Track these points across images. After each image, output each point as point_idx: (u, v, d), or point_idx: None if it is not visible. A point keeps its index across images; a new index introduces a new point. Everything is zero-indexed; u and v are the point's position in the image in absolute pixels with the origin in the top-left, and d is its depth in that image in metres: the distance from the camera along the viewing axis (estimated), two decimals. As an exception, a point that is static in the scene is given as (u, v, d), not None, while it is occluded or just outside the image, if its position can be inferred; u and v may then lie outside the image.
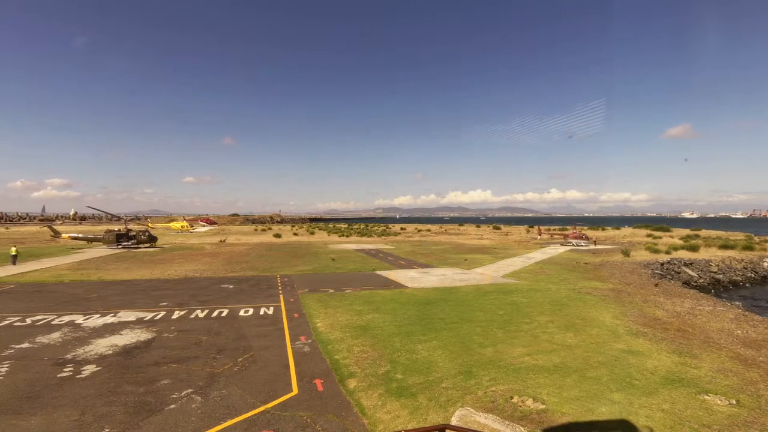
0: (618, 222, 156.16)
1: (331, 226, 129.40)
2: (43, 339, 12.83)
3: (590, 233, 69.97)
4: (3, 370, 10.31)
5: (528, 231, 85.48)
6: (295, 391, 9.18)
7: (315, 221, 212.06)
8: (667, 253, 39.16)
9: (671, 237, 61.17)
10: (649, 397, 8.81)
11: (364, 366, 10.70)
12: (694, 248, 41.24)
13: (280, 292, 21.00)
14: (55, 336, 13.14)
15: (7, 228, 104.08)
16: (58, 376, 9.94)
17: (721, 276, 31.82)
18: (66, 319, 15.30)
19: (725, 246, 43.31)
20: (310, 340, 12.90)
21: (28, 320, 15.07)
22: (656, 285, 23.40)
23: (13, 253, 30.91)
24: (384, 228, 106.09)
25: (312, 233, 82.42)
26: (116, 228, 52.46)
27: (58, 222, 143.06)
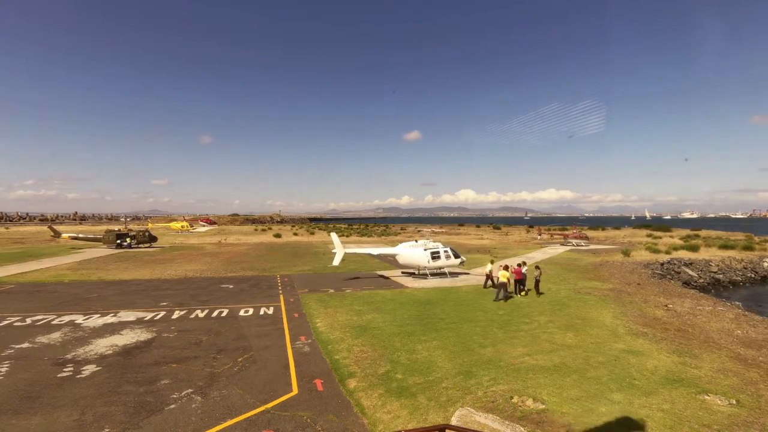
0: (618, 222, 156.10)
1: (331, 226, 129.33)
2: (43, 339, 12.83)
3: (590, 233, 69.96)
4: (3, 370, 10.31)
5: (528, 231, 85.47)
6: (295, 391, 9.18)
7: (315, 221, 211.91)
8: (667, 253, 39.14)
9: (671, 237, 61.17)
10: (649, 397, 8.81)
11: (364, 366, 10.70)
12: (694, 248, 41.22)
13: (280, 292, 20.99)
14: (55, 336, 13.14)
15: (7, 228, 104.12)
16: (58, 376, 9.95)
17: (721, 276, 31.81)
18: (66, 319, 15.30)
19: (725, 246, 43.30)
20: (310, 340, 12.90)
21: (28, 320, 15.07)
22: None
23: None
24: (384, 228, 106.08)
25: (312, 233, 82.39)
26: (116, 228, 52.45)
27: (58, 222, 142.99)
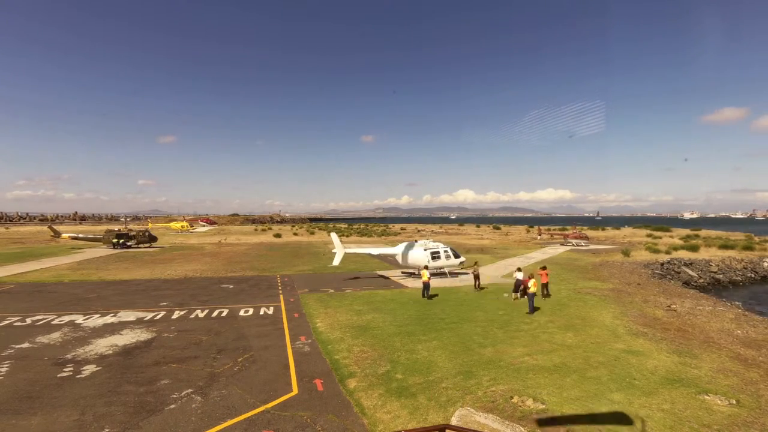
0: (618, 222, 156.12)
1: (331, 226, 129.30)
2: (43, 339, 12.83)
3: (590, 233, 69.95)
4: (3, 370, 10.32)
5: (528, 231, 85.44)
6: (295, 391, 9.18)
7: (315, 221, 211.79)
8: (667, 253, 39.15)
9: (671, 237, 61.16)
10: (649, 397, 8.81)
11: (364, 366, 10.70)
12: (694, 248, 41.24)
13: (280, 292, 21.00)
14: (55, 336, 13.15)
15: (7, 228, 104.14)
16: (58, 376, 9.95)
17: (721, 276, 31.81)
18: (66, 319, 15.30)
19: (725, 246, 43.30)
20: (310, 340, 12.90)
21: (28, 320, 15.08)
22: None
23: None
24: (384, 228, 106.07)
25: (312, 233, 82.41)
26: (116, 228, 52.46)
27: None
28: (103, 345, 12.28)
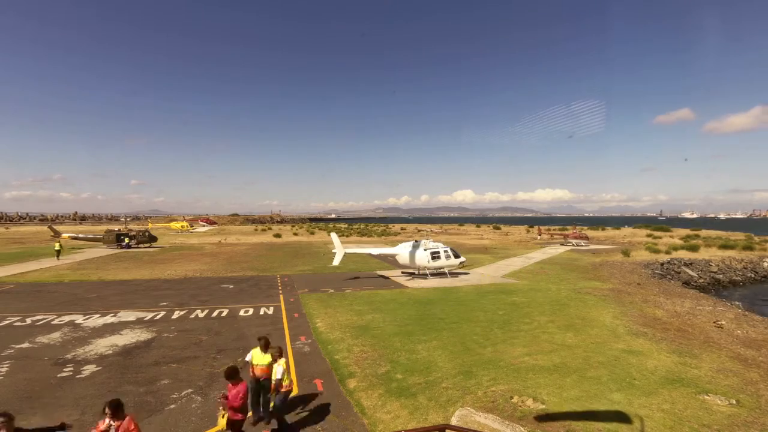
0: (618, 222, 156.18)
1: (331, 226, 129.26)
2: (43, 339, 12.83)
3: (590, 233, 69.96)
4: (3, 370, 10.32)
5: (528, 231, 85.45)
6: (295, 391, 9.18)
7: (315, 221, 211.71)
8: (667, 253, 39.15)
9: (671, 237, 61.16)
10: (649, 397, 8.81)
11: (364, 366, 10.70)
12: (694, 248, 41.24)
13: (280, 292, 20.99)
14: (55, 336, 13.14)
15: (7, 228, 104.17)
16: (59, 376, 9.95)
17: (721, 276, 31.81)
18: (66, 319, 15.30)
19: (725, 246, 43.31)
20: (310, 340, 12.90)
21: (28, 320, 15.07)
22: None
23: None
24: (384, 228, 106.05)
25: (312, 233, 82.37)
26: (116, 228, 52.48)
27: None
28: (103, 345, 12.28)
